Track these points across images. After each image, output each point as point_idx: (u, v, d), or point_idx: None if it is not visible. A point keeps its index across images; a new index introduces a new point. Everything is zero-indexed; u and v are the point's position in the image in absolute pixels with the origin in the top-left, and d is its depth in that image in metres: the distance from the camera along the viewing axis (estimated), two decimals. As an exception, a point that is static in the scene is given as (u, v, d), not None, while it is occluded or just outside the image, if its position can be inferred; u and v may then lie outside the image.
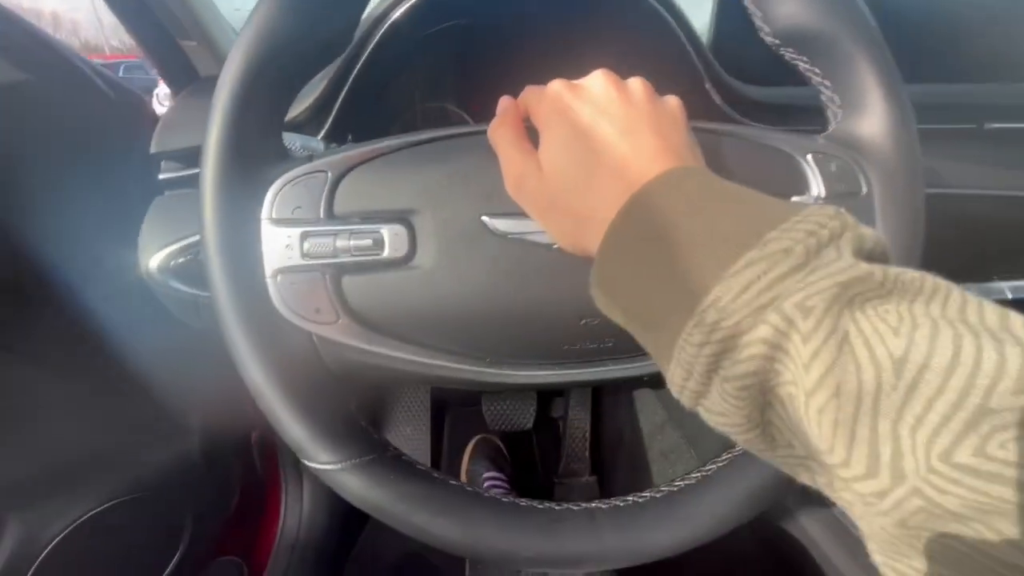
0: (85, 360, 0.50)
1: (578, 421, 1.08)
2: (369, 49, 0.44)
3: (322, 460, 0.25)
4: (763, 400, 0.18)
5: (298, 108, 0.46)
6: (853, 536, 0.46)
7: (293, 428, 0.25)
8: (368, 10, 0.45)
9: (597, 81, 0.25)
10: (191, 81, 0.53)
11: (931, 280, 0.17)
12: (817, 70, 0.30)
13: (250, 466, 0.82)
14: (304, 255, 0.26)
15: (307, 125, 0.47)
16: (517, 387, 0.29)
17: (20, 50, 0.45)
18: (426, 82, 0.60)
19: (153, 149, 0.46)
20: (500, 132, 0.26)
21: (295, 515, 0.80)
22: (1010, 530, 0.13)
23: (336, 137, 0.49)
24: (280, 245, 0.26)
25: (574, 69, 0.63)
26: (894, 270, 0.17)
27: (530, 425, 1.09)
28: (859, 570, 0.47)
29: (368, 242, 0.26)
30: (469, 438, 1.08)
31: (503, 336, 0.27)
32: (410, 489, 0.26)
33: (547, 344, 0.28)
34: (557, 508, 0.28)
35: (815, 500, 0.50)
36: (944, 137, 0.55)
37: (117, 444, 0.56)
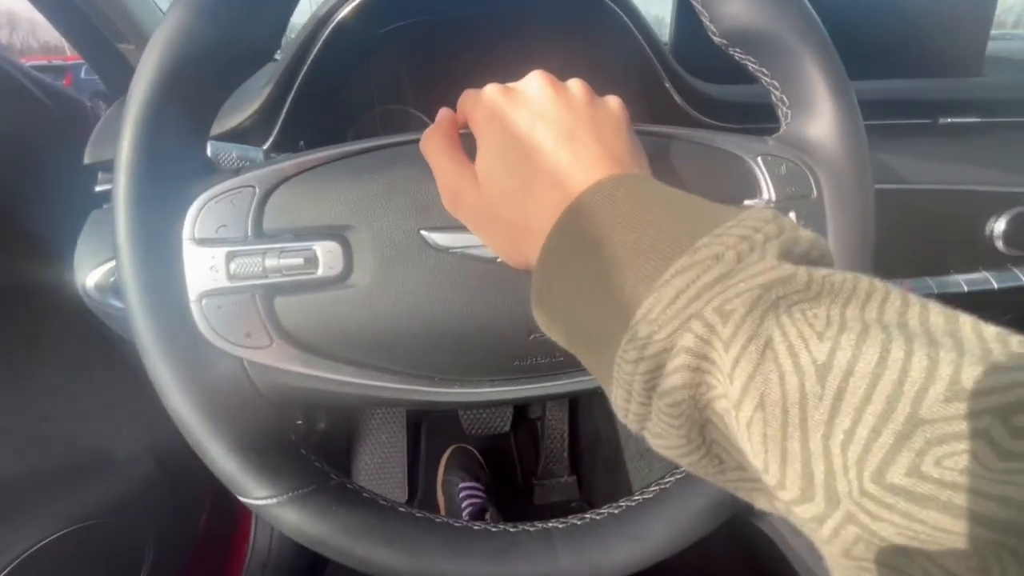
0: (27, 380, 0.47)
1: (556, 422, 1.07)
2: (315, 51, 0.42)
3: (257, 495, 0.24)
4: (700, 417, 0.17)
5: (242, 115, 0.44)
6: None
7: (223, 462, 0.24)
8: (314, 10, 0.44)
9: (534, 84, 0.24)
10: (131, 87, 0.50)
11: (867, 282, 0.16)
12: (765, 70, 0.30)
13: (217, 486, 0.79)
14: (231, 276, 0.24)
15: (253, 133, 0.45)
16: (468, 405, 0.28)
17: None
18: (384, 84, 0.59)
19: (87, 160, 0.43)
20: (432, 143, 0.25)
21: (265, 534, 0.78)
22: (957, 568, 0.12)
23: (286, 145, 0.47)
24: (204, 267, 0.24)
25: (532, 69, 0.61)
26: (822, 271, 0.16)
27: (507, 428, 1.08)
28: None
29: (299, 261, 0.24)
30: (447, 443, 1.06)
31: (450, 354, 0.26)
32: (353, 520, 0.25)
33: (497, 360, 0.27)
34: (512, 530, 0.27)
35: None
36: (899, 133, 0.55)
37: (65, 468, 0.53)
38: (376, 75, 0.57)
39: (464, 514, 0.81)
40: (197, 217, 0.24)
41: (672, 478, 0.29)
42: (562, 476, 1.07)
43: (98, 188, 0.43)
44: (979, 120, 0.58)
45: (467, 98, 0.25)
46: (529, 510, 1.02)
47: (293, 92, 0.44)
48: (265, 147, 0.46)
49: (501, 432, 1.05)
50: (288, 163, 0.25)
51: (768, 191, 0.28)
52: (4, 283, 0.41)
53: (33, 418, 0.47)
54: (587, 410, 1.05)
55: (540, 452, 1.07)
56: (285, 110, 0.44)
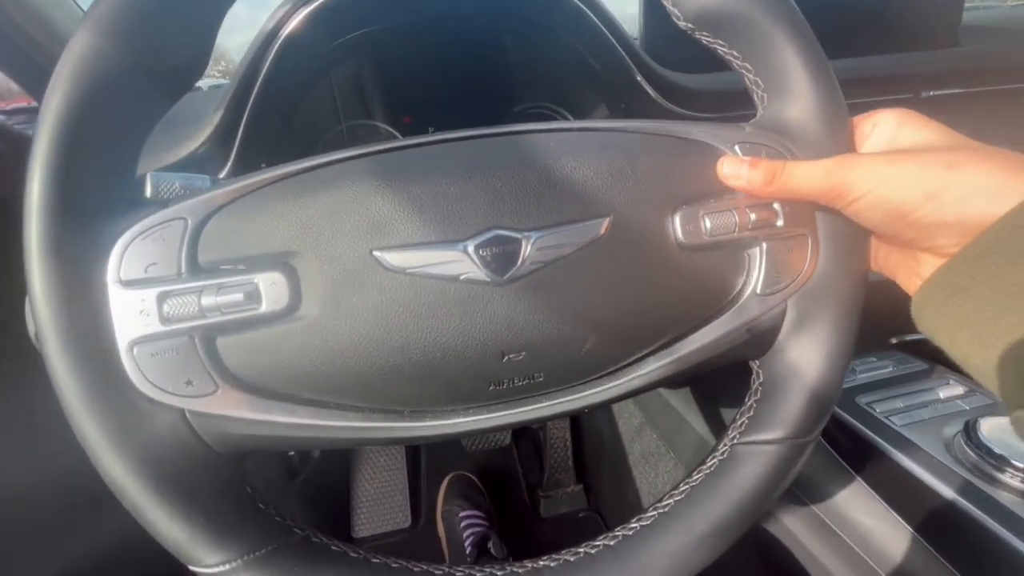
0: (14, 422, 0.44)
1: (558, 430, 1.05)
2: (265, 68, 0.40)
3: (208, 563, 0.21)
4: None
5: (195, 143, 0.42)
6: (835, 533, 0.44)
7: (167, 529, 0.21)
8: (260, 26, 0.41)
9: None
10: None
11: None
12: (736, 53, 0.28)
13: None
14: (164, 319, 0.22)
15: (209, 161, 0.43)
16: (442, 438, 0.25)
17: None
18: (347, 98, 0.57)
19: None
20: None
21: None
22: None
23: (245, 170, 0.45)
24: (133, 311, 0.21)
25: (502, 76, 0.59)
26: None
27: (508, 441, 1.05)
28: (843, 566, 0.45)
29: (239, 296, 0.22)
30: (447, 461, 1.03)
31: (416, 384, 0.24)
32: None
33: (469, 387, 0.24)
34: (499, 573, 0.25)
35: (796, 500, 0.47)
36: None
37: (61, 511, 0.51)
38: (338, 89, 0.55)
39: (466, 543, 0.78)
40: (123, 257, 0.22)
41: (671, 500, 0.26)
42: (568, 486, 1.04)
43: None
44: (961, 91, 0.57)
45: None
46: (536, 524, 0.99)
47: (247, 113, 0.42)
48: (222, 174, 0.43)
49: (502, 446, 1.03)
50: (220, 191, 0.23)
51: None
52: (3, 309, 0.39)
53: (24, 461, 0.45)
54: (588, 417, 1.02)
55: (544, 463, 1.04)
56: (240, 133, 0.42)
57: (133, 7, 0.22)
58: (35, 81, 0.47)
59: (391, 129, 0.61)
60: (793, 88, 0.26)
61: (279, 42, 0.40)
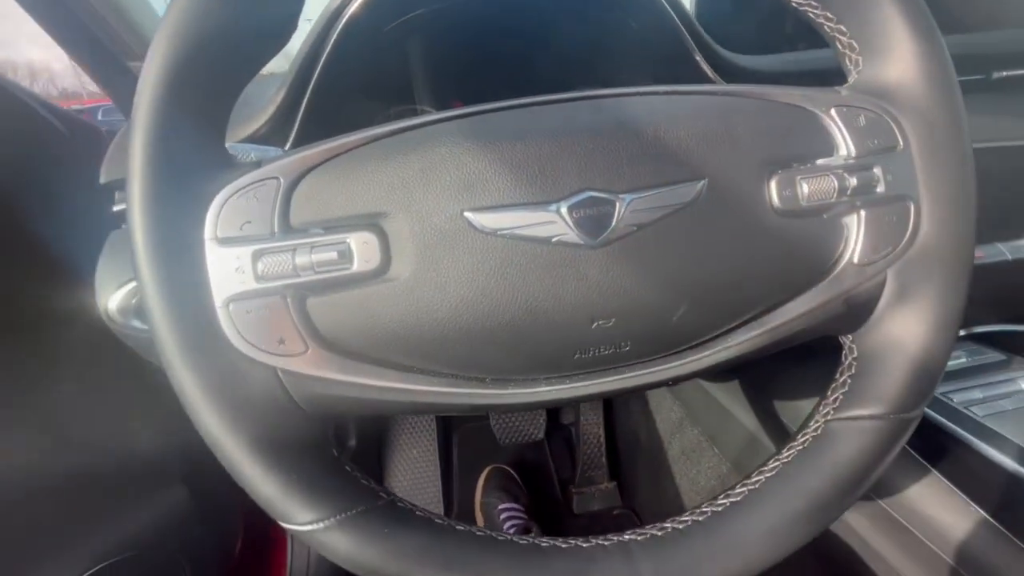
0: (53, 412, 0.46)
1: (591, 426, 1.03)
2: (328, 49, 0.41)
3: (301, 520, 0.21)
4: None
5: (259, 121, 0.43)
6: (905, 528, 0.42)
7: (262, 485, 0.21)
8: (320, 8, 0.42)
9: None
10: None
11: None
12: (830, 15, 0.27)
13: (252, 508, 0.78)
14: (259, 278, 0.22)
15: (269, 142, 0.44)
16: (523, 407, 0.25)
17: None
18: (396, 84, 0.57)
19: (102, 179, 0.42)
20: None
21: (302, 558, 0.76)
22: None
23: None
24: (229, 268, 0.22)
25: (552, 59, 0.59)
26: None
27: (541, 435, 1.04)
28: (911, 563, 0.43)
29: (333, 255, 0.22)
30: (479, 454, 1.03)
31: (502, 350, 0.23)
32: (409, 542, 0.22)
33: (554, 354, 0.24)
34: (585, 546, 0.24)
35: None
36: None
37: (97, 502, 0.52)
38: (388, 75, 0.55)
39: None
40: (219, 214, 0.22)
41: (761, 477, 0.25)
42: (601, 483, 1.02)
43: (115, 208, 0.42)
44: (1036, 72, 0.54)
45: None
46: (569, 520, 0.98)
47: (308, 94, 0.42)
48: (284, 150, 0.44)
49: (535, 440, 1.02)
50: (313, 151, 0.23)
51: (846, 146, 0.25)
52: (24, 307, 0.40)
53: (60, 452, 0.46)
54: (624, 411, 1.01)
55: (576, 459, 1.03)
56: (300, 114, 0.43)
57: None
58: (96, 60, 0.49)
59: (434, 111, 0.61)
60: (895, 47, 0.25)
61: (343, 21, 0.40)
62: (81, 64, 0.48)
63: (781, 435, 0.57)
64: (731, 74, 0.50)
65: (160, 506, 0.57)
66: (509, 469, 0.96)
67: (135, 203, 0.21)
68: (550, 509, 0.98)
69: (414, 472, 1.02)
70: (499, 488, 0.88)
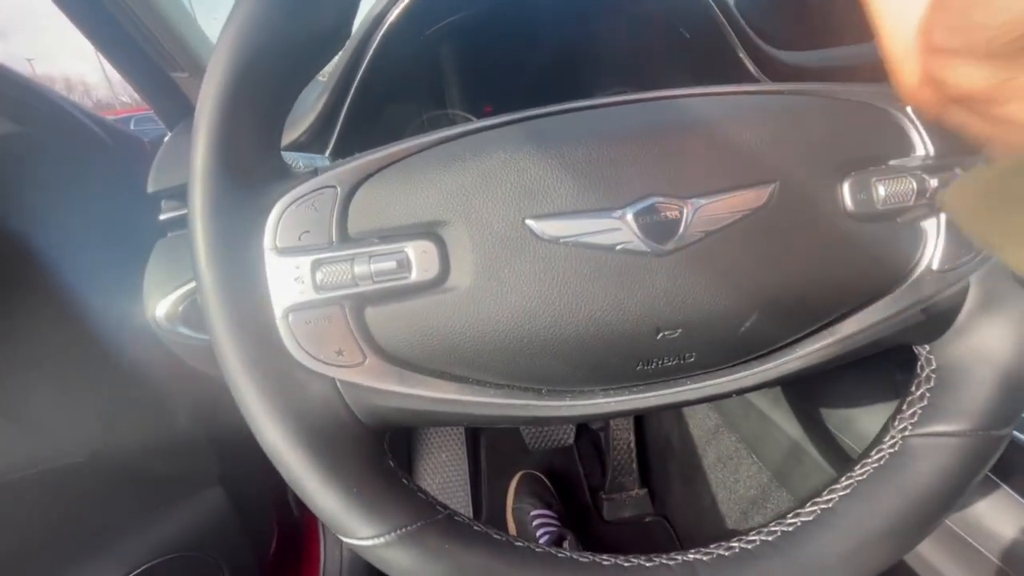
0: (94, 416, 0.47)
1: (621, 431, 1.02)
2: (369, 56, 0.41)
3: (363, 535, 0.21)
4: None
5: (298, 129, 0.43)
6: (976, 550, 0.40)
7: (324, 498, 0.21)
8: (361, 16, 0.42)
9: None
10: (186, 115, 0.50)
11: None
12: None
13: (286, 508, 0.78)
14: (318, 288, 0.21)
15: (310, 147, 0.44)
16: (580, 419, 0.24)
17: (12, 103, 0.43)
18: (428, 90, 0.57)
19: (150, 188, 0.42)
20: None
21: (335, 557, 0.76)
22: None
23: (343, 157, 0.45)
24: (289, 278, 0.21)
25: (585, 61, 0.58)
26: None
27: (571, 441, 1.03)
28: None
29: (392, 264, 0.21)
30: (508, 459, 1.02)
31: (562, 361, 0.23)
32: (470, 559, 0.22)
33: (616, 366, 0.23)
34: (648, 565, 0.23)
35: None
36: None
37: (138, 505, 0.53)
38: (422, 82, 0.55)
39: (541, 542, 0.77)
40: (278, 224, 0.22)
41: (834, 496, 0.24)
42: (632, 489, 1.01)
43: (163, 216, 0.43)
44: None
45: None
46: (600, 527, 0.97)
47: (348, 100, 0.42)
48: (325, 156, 0.44)
49: (565, 445, 1.01)
50: (369, 158, 0.23)
51: (924, 145, 0.24)
52: (68, 315, 0.41)
53: (99, 456, 0.47)
54: (654, 417, 0.99)
55: (606, 465, 1.02)
56: (341, 120, 0.43)
57: None
58: (139, 71, 0.50)
59: (470, 117, 0.61)
60: None
61: (384, 28, 0.40)
62: (124, 76, 0.49)
63: (828, 444, 0.55)
64: (775, 71, 0.48)
65: (197, 509, 0.58)
66: (540, 475, 0.95)
67: (197, 212, 0.21)
68: (580, 515, 0.97)
69: (443, 476, 1.02)
70: (531, 494, 0.87)
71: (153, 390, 0.50)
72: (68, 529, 0.48)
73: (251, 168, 0.22)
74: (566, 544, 0.74)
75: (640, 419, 1.01)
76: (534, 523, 0.80)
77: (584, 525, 0.95)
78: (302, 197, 0.22)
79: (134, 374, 0.49)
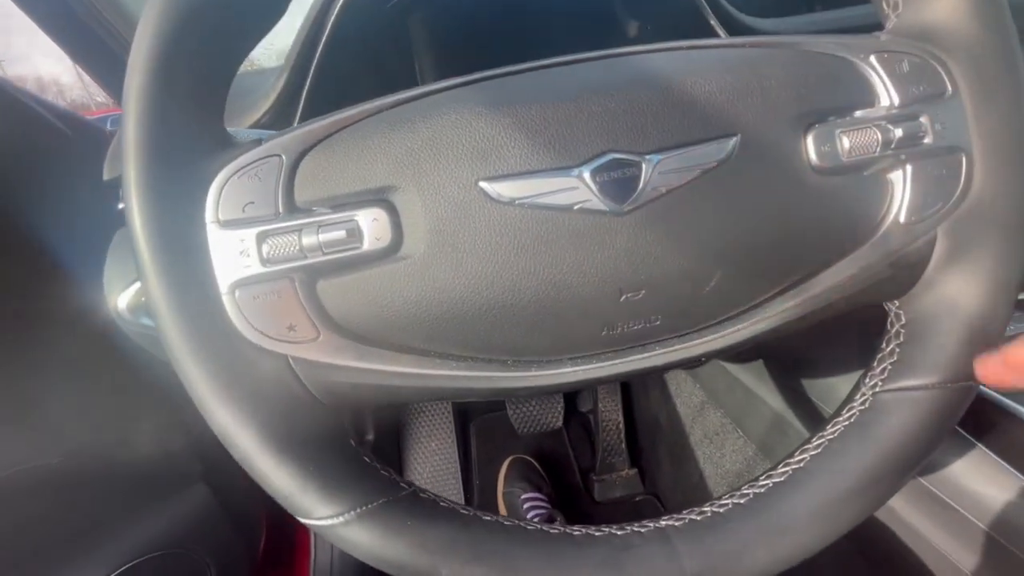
0: (66, 412, 0.45)
1: (610, 412, 1.02)
2: (327, 30, 0.39)
3: (320, 515, 0.20)
4: None
5: (259, 111, 0.41)
6: (948, 505, 0.40)
7: (277, 479, 0.20)
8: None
9: None
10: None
11: None
12: None
13: (274, 506, 0.78)
14: (265, 261, 0.20)
15: (273, 128, 0.42)
16: (548, 390, 0.23)
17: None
18: (398, 66, 0.55)
19: (106, 176, 0.41)
20: None
21: (326, 554, 0.76)
22: None
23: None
24: (234, 252, 0.20)
25: (552, 32, 0.56)
26: None
27: (560, 423, 1.03)
28: (956, 541, 0.41)
29: (341, 234, 0.20)
30: (498, 445, 1.02)
31: (524, 329, 0.22)
32: (434, 535, 0.21)
33: (580, 332, 0.22)
34: (619, 533, 0.23)
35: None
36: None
37: (122, 503, 0.52)
38: (392, 57, 0.54)
39: None
40: (220, 196, 0.21)
41: (805, 455, 0.24)
42: (622, 469, 1.01)
43: (121, 205, 0.41)
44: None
45: None
46: (591, 508, 0.97)
47: (309, 77, 0.41)
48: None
49: (553, 428, 1.01)
50: (314, 125, 0.22)
51: (888, 96, 0.23)
52: (32, 309, 0.40)
53: (81, 453, 0.45)
54: (643, 396, 0.99)
55: (596, 446, 1.02)
56: (303, 97, 0.41)
57: None
58: (91, 55, 0.48)
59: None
60: None
61: (340, 0, 0.39)
62: (90, 73, 0.47)
63: (811, 415, 0.55)
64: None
65: (183, 506, 0.57)
66: (530, 459, 0.95)
67: (131, 188, 0.20)
68: (571, 497, 0.97)
69: (433, 464, 1.02)
70: (521, 478, 0.87)
71: (132, 386, 0.49)
72: (47, 530, 0.47)
73: (187, 141, 0.21)
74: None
75: (628, 399, 1.02)
76: (525, 506, 0.80)
77: (576, 507, 0.96)
78: (245, 167, 0.21)
79: (106, 370, 0.48)
